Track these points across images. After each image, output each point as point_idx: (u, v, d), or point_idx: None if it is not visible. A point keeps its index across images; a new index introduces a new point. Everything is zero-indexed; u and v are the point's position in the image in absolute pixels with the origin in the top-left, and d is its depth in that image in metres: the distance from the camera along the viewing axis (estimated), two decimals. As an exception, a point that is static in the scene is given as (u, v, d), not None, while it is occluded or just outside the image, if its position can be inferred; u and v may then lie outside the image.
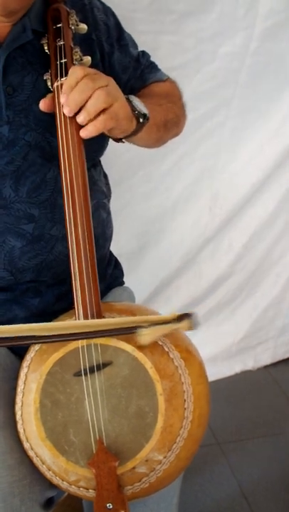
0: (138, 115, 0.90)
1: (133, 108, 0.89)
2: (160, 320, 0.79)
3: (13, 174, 0.92)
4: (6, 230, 0.93)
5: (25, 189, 0.93)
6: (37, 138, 0.93)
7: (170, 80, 1.13)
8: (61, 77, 0.86)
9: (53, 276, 0.99)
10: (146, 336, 0.78)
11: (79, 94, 0.80)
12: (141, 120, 0.91)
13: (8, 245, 0.94)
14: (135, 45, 1.09)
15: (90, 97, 0.80)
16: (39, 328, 0.80)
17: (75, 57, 0.88)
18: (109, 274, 1.14)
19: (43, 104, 0.85)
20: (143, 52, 1.11)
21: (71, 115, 0.82)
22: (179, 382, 0.81)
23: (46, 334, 0.80)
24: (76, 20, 0.92)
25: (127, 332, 0.79)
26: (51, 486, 0.92)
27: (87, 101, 0.80)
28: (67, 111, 0.81)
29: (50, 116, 0.87)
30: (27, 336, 0.80)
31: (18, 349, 0.97)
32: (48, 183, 0.94)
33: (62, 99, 0.81)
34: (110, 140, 1.05)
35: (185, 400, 0.81)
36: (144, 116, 0.91)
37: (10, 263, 0.94)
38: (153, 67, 1.11)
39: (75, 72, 0.82)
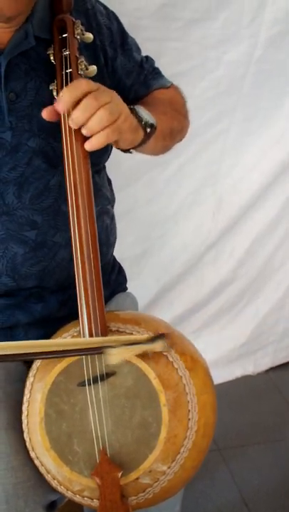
0: (145, 125, 0.90)
1: (140, 119, 0.89)
2: (132, 340, 0.80)
3: (16, 180, 0.92)
4: (9, 237, 0.93)
5: (28, 196, 0.92)
6: (40, 143, 0.92)
7: (174, 87, 1.13)
8: None
9: (56, 283, 0.99)
10: (114, 355, 0.79)
11: (82, 113, 0.80)
12: (148, 130, 0.91)
13: (11, 252, 0.93)
14: (139, 50, 1.09)
15: (93, 114, 0.80)
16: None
17: (80, 67, 0.88)
18: (113, 280, 1.14)
19: (46, 113, 0.85)
20: (147, 57, 1.10)
21: (76, 128, 0.82)
22: (183, 392, 0.81)
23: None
24: (82, 30, 0.91)
25: (94, 352, 0.80)
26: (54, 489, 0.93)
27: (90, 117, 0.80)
28: (72, 126, 0.82)
29: (54, 122, 0.86)
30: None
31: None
32: (51, 189, 0.94)
33: (58, 106, 0.81)
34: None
35: (189, 411, 0.81)
36: (152, 126, 0.91)
37: (12, 269, 0.94)
38: (157, 73, 1.11)
39: (80, 85, 0.81)
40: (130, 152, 0.96)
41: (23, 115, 0.91)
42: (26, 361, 0.95)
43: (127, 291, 1.19)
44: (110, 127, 0.81)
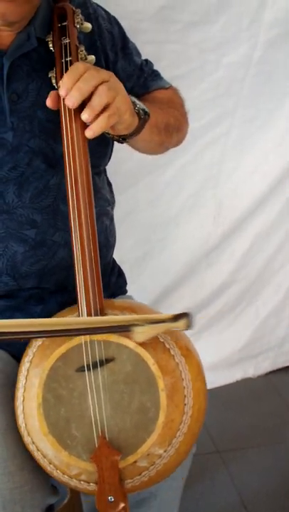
0: (138, 110, 0.91)
1: (133, 104, 0.90)
2: (156, 319, 0.80)
3: (16, 180, 0.93)
4: (9, 235, 0.94)
5: (28, 195, 0.94)
6: (40, 144, 0.94)
7: (172, 88, 1.14)
8: None
9: (56, 283, 0.99)
10: (141, 334, 0.79)
11: (84, 83, 0.80)
12: (142, 116, 0.92)
13: (11, 250, 0.94)
14: (139, 54, 1.11)
15: (93, 93, 0.80)
16: (39, 324, 0.81)
17: (80, 56, 0.89)
18: (112, 282, 1.14)
19: (50, 102, 0.85)
20: (146, 60, 1.12)
21: (75, 107, 0.81)
22: (180, 378, 0.82)
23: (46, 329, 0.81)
24: (81, 19, 0.92)
25: (122, 330, 0.80)
26: (52, 492, 0.93)
27: (90, 98, 0.81)
28: (70, 102, 0.80)
29: (54, 123, 0.88)
30: (27, 331, 0.80)
31: (20, 354, 0.97)
32: (50, 189, 0.95)
33: (61, 92, 0.81)
34: (114, 147, 1.07)
35: (185, 396, 0.82)
36: (145, 112, 0.92)
37: (12, 268, 0.95)
38: (156, 75, 1.13)
39: (77, 66, 0.82)
40: (126, 141, 0.96)
41: (25, 116, 0.93)
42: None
43: (127, 294, 1.19)
44: (109, 109, 0.82)
